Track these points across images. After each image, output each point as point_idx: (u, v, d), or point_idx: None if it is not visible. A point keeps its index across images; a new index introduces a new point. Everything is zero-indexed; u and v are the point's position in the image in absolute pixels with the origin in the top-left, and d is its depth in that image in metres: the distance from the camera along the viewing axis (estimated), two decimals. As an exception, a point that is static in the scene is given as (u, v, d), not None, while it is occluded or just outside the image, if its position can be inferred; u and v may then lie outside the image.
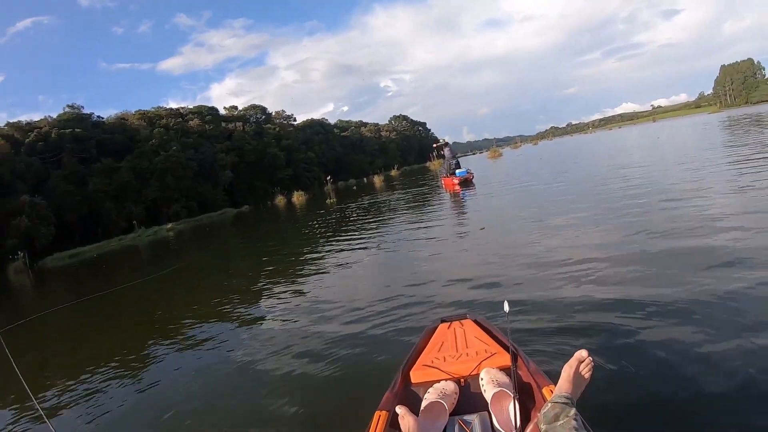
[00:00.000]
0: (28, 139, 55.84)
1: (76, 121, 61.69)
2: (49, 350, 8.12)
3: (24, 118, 69.27)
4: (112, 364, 6.30)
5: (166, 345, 6.68)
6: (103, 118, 68.51)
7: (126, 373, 5.84)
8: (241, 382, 4.72)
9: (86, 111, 66.35)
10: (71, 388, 5.64)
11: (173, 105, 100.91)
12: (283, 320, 6.52)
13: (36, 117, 66.67)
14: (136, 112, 72.86)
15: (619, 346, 3.62)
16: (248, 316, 7.32)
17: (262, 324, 6.65)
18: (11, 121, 61.07)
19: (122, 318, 9.81)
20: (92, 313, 10.49)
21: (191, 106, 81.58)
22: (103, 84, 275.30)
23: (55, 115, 63.33)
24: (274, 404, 3.97)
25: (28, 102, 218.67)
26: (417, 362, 2.88)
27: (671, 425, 2.73)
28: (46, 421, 2.92)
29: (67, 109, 64.67)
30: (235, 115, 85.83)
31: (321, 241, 14.25)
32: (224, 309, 8.15)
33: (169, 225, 50.86)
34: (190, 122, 74.19)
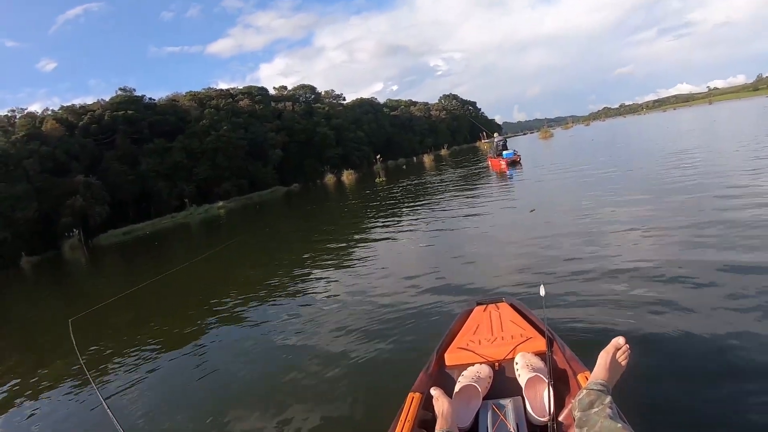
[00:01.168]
0: (81, 122, 56.64)
1: (128, 103, 62.11)
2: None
3: (77, 101, 70.50)
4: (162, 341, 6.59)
5: (214, 322, 6.95)
6: (154, 100, 68.85)
7: (177, 348, 6.05)
8: (274, 358, 4.88)
9: (138, 93, 66.63)
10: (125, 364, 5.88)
11: (223, 86, 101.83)
12: (324, 297, 6.69)
13: (89, 100, 67.67)
14: (186, 93, 73.10)
15: (658, 336, 3.56)
16: (291, 294, 7.52)
17: (303, 301, 6.83)
18: (65, 104, 62.11)
19: (171, 296, 10.02)
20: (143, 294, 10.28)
21: (241, 87, 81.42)
22: (154, 67, 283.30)
23: (107, 98, 64.08)
24: (307, 382, 4.07)
25: (80, 86, 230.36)
26: (452, 345, 2.88)
27: (707, 420, 2.64)
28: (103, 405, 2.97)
29: (119, 92, 65.12)
30: (284, 95, 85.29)
31: (369, 219, 14.56)
32: (270, 285, 8.41)
33: (220, 203, 51.58)
34: (240, 102, 73.84)
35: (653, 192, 9.20)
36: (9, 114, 55.73)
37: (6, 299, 18.98)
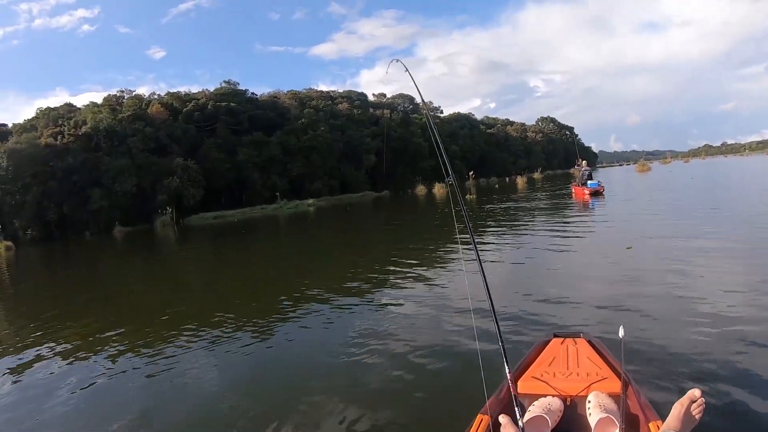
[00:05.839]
0: (186, 109, 58.05)
1: (231, 95, 63.59)
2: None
3: (183, 89, 72.97)
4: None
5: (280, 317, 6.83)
6: (256, 94, 70.19)
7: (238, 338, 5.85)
8: (340, 366, 4.62)
9: (241, 87, 68.13)
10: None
11: (323, 88, 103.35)
12: (400, 312, 6.42)
13: (194, 89, 69.89)
14: (288, 91, 74.06)
15: (738, 397, 3.16)
16: (366, 301, 7.25)
17: (375, 313, 6.54)
18: (171, 90, 64.50)
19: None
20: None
21: (341, 90, 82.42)
22: (257, 63, 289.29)
23: (212, 89, 65.81)
24: (375, 390, 3.97)
25: (186, 75, 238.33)
26: (526, 373, 2.79)
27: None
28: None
29: (223, 84, 66.88)
30: (383, 102, 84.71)
31: (454, 236, 13.99)
32: (344, 287, 8.35)
33: (310, 200, 50.88)
34: (339, 105, 73.90)
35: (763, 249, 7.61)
36: (118, 94, 58.13)
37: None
